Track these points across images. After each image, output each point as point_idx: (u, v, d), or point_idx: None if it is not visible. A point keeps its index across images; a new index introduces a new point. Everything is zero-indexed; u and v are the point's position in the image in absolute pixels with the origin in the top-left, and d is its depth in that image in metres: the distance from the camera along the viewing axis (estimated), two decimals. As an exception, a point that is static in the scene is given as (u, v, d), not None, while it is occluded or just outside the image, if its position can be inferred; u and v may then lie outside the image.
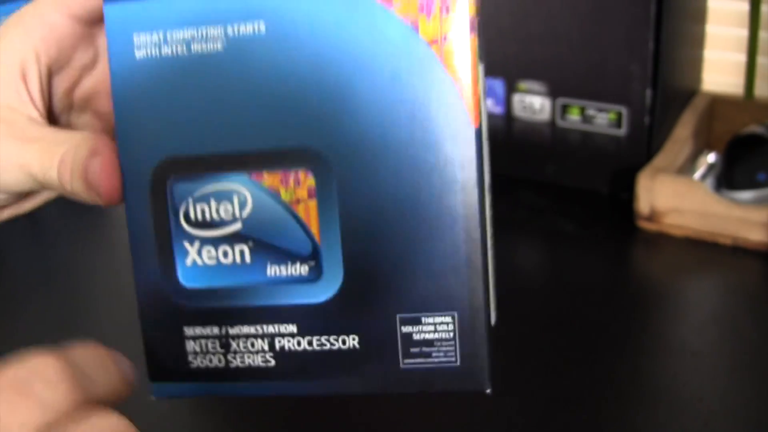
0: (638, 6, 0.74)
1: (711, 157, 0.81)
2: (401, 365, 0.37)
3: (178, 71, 0.36)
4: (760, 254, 0.69)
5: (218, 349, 0.38)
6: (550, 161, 0.84)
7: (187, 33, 0.36)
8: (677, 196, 0.72)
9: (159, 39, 0.36)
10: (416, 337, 0.37)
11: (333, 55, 0.35)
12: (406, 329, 0.37)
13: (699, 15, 0.88)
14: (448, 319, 0.37)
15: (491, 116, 0.85)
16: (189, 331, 0.38)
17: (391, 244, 0.36)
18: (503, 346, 0.59)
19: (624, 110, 0.78)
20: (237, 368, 0.38)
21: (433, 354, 0.37)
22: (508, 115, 0.84)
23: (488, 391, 0.37)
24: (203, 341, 0.38)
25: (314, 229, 0.36)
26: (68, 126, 0.41)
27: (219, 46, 0.36)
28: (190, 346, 0.38)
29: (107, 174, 0.36)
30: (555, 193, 0.82)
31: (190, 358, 0.39)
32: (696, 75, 0.90)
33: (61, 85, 0.40)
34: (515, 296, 0.66)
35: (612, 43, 0.76)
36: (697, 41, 0.89)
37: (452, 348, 0.37)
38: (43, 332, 0.62)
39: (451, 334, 0.37)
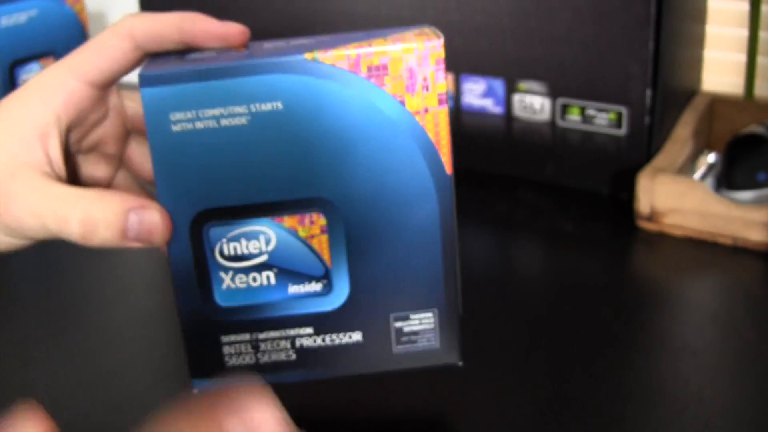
0: (638, 6, 0.74)
1: (711, 157, 0.81)
2: (394, 350, 0.48)
3: (210, 141, 0.43)
4: (760, 254, 0.69)
5: (249, 350, 0.47)
6: (550, 161, 0.84)
7: (216, 111, 0.43)
8: (677, 196, 0.72)
9: (193, 116, 0.43)
10: (406, 329, 0.48)
11: (339, 124, 0.43)
12: (398, 324, 0.48)
13: (699, 15, 0.88)
14: (430, 314, 0.48)
15: (492, 116, 0.85)
16: (225, 338, 0.47)
17: (386, 264, 0.46)
18: (503, 345, 0.59)
19: (624, 110, 0.78)
20: (265, 363, 0.48)
21: (419, 341, 0.48)
22: (508, 115, 0.84)
23: (460, 363, 0.49)
24: (237, 345, 0.47)
25: (326, 256, 0.46)
26: (75, 165, 0.47)
27: (244, 120, 0.43)
28: (226, 350, 0.47)
29: (164, 224, 0.43)
30: (555, 193, 0.82)
31: (227, 358, 0.48)
32: (696, 75, 0.90)
33: (74, 137, 0.46)
34: (515, 296, 0.66)
35: (612, 43, 0.76)
36: (697, 41, 0.89)
37: (433, 335, 0.48)
38: (47, 332, 0.62)
39: (433, 325, 0.48)
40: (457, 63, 0.84)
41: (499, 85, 0.83)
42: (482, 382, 0.55)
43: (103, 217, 0.41)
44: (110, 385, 0.56)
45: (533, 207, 0.80)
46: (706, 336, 0.59)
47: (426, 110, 0.44)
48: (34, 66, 0.94)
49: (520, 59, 0.81)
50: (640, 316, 0.62)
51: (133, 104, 0.49)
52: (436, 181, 0.45)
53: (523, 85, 0.82)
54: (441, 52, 0.43)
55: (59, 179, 0.43)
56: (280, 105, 0.43)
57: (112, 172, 0.50)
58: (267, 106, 0.43)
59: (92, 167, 0.48)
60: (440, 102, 0.44)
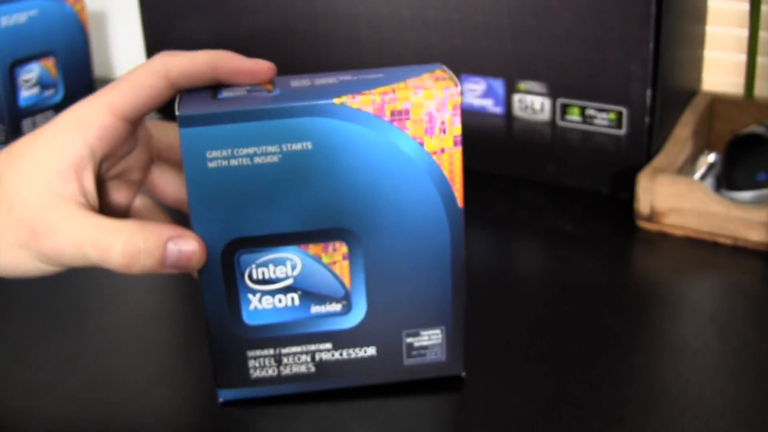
0: (638, 6, 0.74)
1: (711, 157, 0.81)
2: (404, 363, 0.52)
3: (243, 177, 0.46)
4: (760, 254, 0.69)
5: (273, 363, 0.51)
6: (550, 161, 0.84)
7: (250, 150, 0.45)
8: (677, 196, 0.72)
9: (228, 154, 0.45)
10: (416, 344, 0.51)
11: (363, 163, 0.46)
12: (409, 340, 0.51)
13: (699, 15, 0.88)
14: (438, 331, 0.51)
15: (492, 116, 0.85)
16: (251, 353, 0.50)
17: (401, 286, 0.50)
18: (503, 345, 0.59)
19: (624, 110, 0.78)
20: (287, 375, 0.51)
21: (427, 354, 0.52)
22: (508, 115, 0.84)
23: (463, 374, 0.53)
24: (261, 359, 0.50)
25: (346, 280, 0.49)
26: (101, 192, 0.48)
27: (275, 159, 0.45)
28: (251, 363, 0.50)
29: (201, 252, 0.45)
30: (555, 193, 0.82)
31: (251, 371, 0.51)
32: (696, 75, 0.90)
33: (104, 167, 0.47)
34: (515, 296, 0.66)
35: (612, 43, 0.76)
36: (697, 41, 0.89)
37: (441, 349, 0.52)
38: (46, 332, 0.62)
39: (440, 340, 0.52)
40: (457, 63, 0.84)
41: (499, 85, 0.83)
42: (482, 381, 0.55)
43: (144, 246, 0.43)
44: (110, 385, 0.56)
45: (533, 207, 0.80)
46: (706, 336, 0.59)
47: (442, 151, 0.47)
48: (34, 66, 0.94)
49: (520, 59, 0.81)
50: (640, 316, 0.62)
51: (159, 134, 0.51)
52: (449, 214, 0.48)
53: (523, 85, 0.82)
54: (458, 99, 0.46)
55: (93, 209, 0.45)
56: (309, 145, 0.45)
57: (132, 196, 0.51)
58: (297, 146, 0.45)
59: (115, 193, 0.50)
60: (455, 143, 0.47)
